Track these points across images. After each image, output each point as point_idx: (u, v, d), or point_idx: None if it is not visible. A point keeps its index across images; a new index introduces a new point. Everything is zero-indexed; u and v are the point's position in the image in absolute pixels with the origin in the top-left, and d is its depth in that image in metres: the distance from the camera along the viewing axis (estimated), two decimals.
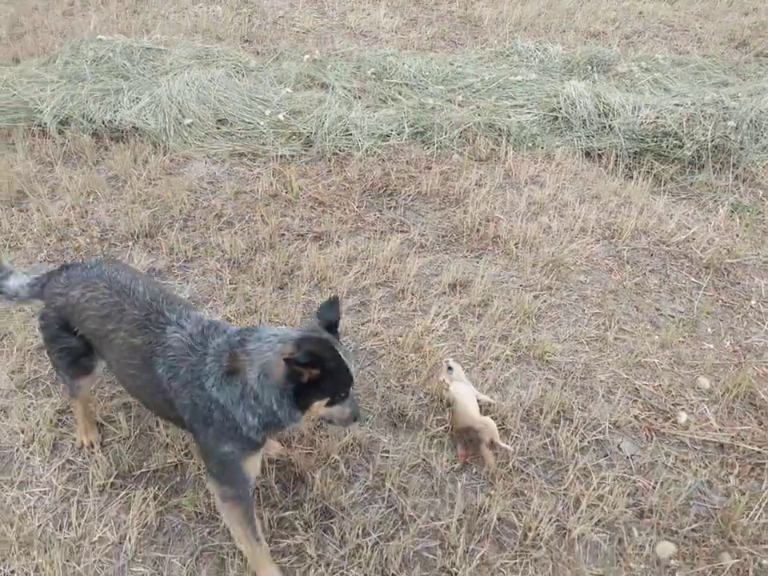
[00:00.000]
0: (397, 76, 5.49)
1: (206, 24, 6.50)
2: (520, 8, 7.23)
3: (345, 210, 3.95)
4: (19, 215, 3.82)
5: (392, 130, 4.72)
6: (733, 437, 2.64)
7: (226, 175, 4.26)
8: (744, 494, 2.41)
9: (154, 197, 3.95)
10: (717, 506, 2.39)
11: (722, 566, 2.20)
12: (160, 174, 4.21)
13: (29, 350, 2.96)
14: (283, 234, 3.73)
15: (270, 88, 5.15)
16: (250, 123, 4.73)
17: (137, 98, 4.79)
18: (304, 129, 4.64)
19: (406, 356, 2.96)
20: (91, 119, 4.60)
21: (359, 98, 5.20)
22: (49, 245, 3.61)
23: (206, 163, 4.39)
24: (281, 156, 4.42)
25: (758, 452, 2.58)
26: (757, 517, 2.33)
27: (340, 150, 4.51)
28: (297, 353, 1.77)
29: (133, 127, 4.55)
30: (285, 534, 2.27)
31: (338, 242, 3.66)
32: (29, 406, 2.72)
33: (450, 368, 2.76)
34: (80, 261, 2.37)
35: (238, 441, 1.92)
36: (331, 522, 2.29)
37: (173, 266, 3.50)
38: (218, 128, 4.71)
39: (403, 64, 5.60)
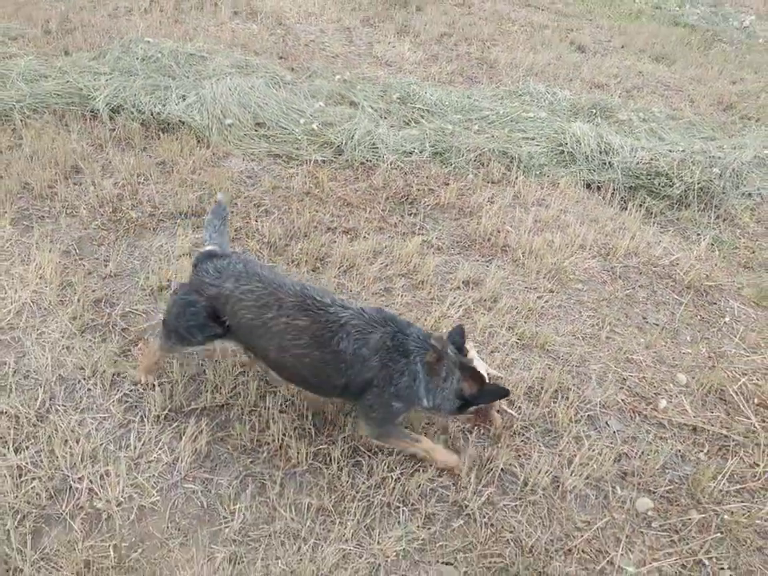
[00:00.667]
0: (419, 102, 6.00)
1: (243, 39, 7.00)
2: (532, 56, 7.86)
3: (370, 211, 4.37)
4: (74, 187, 4.18)
5: (414, 148, 5.19)
6: (704, 422, 3.05)
7: (263, 171, 4.68)
8: (711, 467, 2.80)
9: (200, 183, 4.34)
10: (688, 473, 2.78)
11: (690, 519, 2.58)
12: (203, 164, 4.60)
13: (86, 301, 3.29)
14: (316, 227, 4.13)
15: (304, 100, 5.61)
16: (285, 129, 5.17)
17: (183, 95, 5.22)
18: (335, 139, 5.09)
19: None
20: (141, 110, 5.01)
21: (385, 117, 5.68)
22: (102, 215, 3.97)
23: (244, 160, 4.80)
24: (313, 160, 4.85)
25: (725, 435, 2.99)
26: (720, 485, 2.72)
27: (367, 161, 4.95)
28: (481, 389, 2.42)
29: (179, 121, 4.97)
30: (320, 465, 2.61)
31: (365, 237, 4.07)
32: (88, 348, 3.04)
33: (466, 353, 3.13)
34: (217, 251, 2.65)
35: (409, 403, 2.44)
36: (360, 459, 2.64)
37: None
38: (255, 130, 5.14)
39: (425, 92, 6.13)
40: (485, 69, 7.38)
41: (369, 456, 2.66)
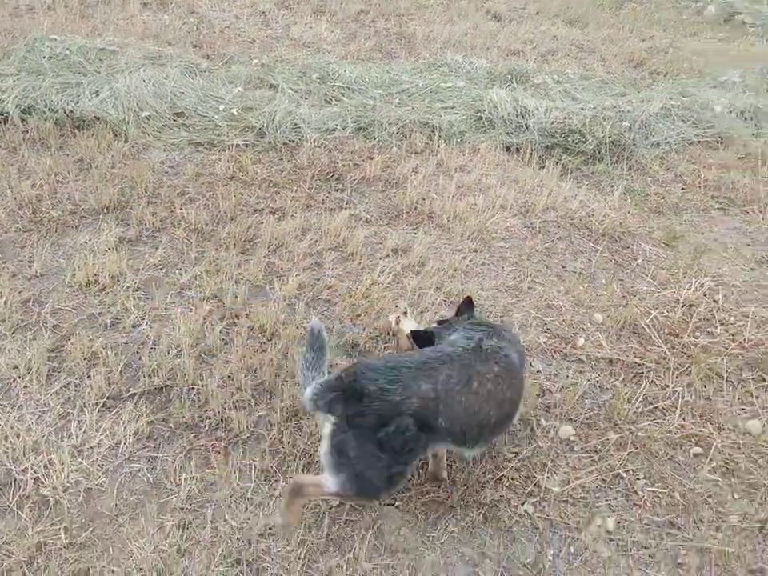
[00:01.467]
0: (339, 80, 6.06)
1: (155, 30, 6.88)
2: (449, 28, 8.01)
3: (297, 190, 4.45)
4: None
5: (337, 125, 5.27)
6: (619, 354, 3.30)
7: (185, 160, 4.67)
8: (626, 393, 3.04)
9: (120, 176, 4.32)
10: (606, 400, 3.02)
11: (608, 440, 2.82)
12: (123, 158, 4.57)
13: (14, 302, 3.26)
14: (242, 209, 4.18)
15: (222, 87, 5.60)
16: (205, 116, 5.16)
17: (96, 91, 5.13)
18: (256, 122, 5.11)
19: (357, 302, 3.47)
20: (53, 109, 4.90)
21: (306, 97, 5.72)
22: (23, 217, 3.91)
23: (164, 150, 4.78)
24: (236, 145, 4.87)
25: (638, 364, 3.24)
26: (635, 407, 2.97)
27: (290, 141, 5.01)
28: None
29: (94, 117, 4.89)
30: (262, 431, 2.71)
31: (292, 215, 4.14)
32: (20, 347, 3.03)
33: (405, 312, 3.25)
34: None
35: None
36: (301, 421, 2.76)
37: (142, 236, 3.88)
38: (174, 120, 5.11)
39: (344, 70, 6.18)
40: (403, 43, 7.48)
41: (308, 418, 2.78)
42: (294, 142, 5.00)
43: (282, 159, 4.80)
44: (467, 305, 2.76)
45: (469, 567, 2.35)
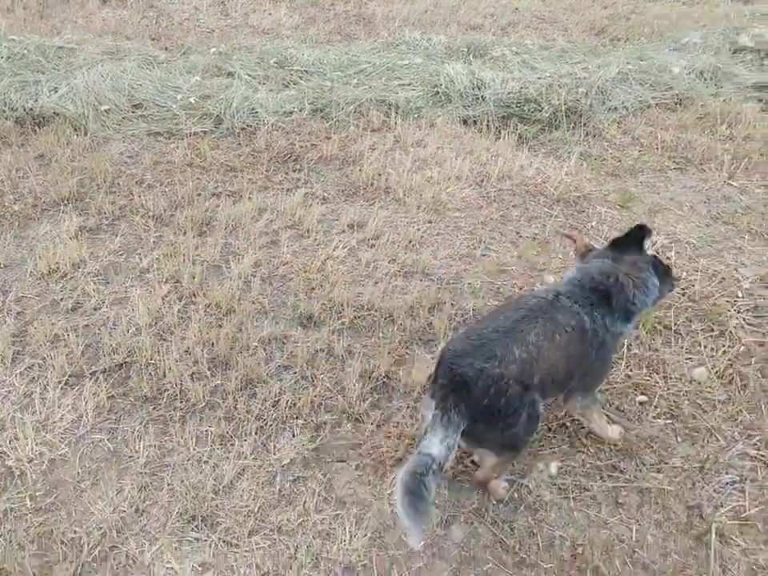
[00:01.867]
0: (297, 64, 6.12)
1: (114, 26, 6.91)
2: (409, 6, 8.06)
3: (254, 173, 4.53)
4: None
5: (294, 108, 5.34)
6: None
7: (143, 150, 4.75)
8: None
9: (80, 169, 4.39)
10: None
11: None
12: (82, 152, 4.63)
13: None
14: (200, 194, 4.26)
15: (179, 77, 5.65)
16: (163, 107, 5.23)
17: (55, 87, 5.19)
18: (214, 109, 5.18)
19: (312, 276, 3.57)
20: (13, 107, 4.96)
21: (263, 83, 5.79)
22: None
23: (124, 142, 4.85)
24: (194, 133, 4.95)
25: None
26: None
27: (248, 126, 5.08)
28: None
29: (54, 113, 4.95)
30: (218, 400, 2.83)
31: (249, 197, 4.23)
32: None
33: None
34: None
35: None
36: (255, 389, 2.87)
37: (102, 224, 3.97)
38: (133, 112, 5.18)
39: (303, 54, 6.25)
40: (362, 24, 7.53)
41: (262, 385, 2.90)
42: (251, 126, 5.08)
43: (239, 144, 4.88)
44: (635, 235, 2.52)
45: None
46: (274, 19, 7.41)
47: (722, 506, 2.48)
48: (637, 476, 2.66)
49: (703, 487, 2.63)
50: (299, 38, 6.98)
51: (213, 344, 3.09)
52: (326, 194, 4.37)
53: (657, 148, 5.11)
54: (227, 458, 2.59)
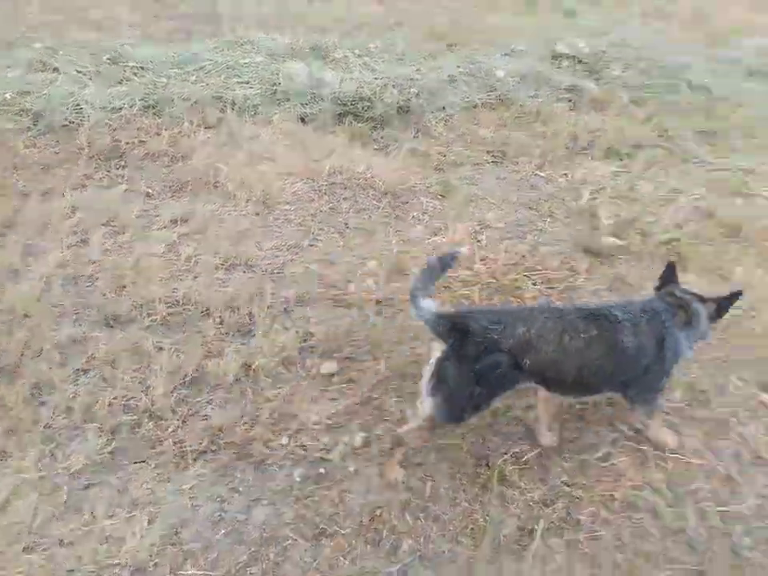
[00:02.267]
0: (133, 61, 5.87)
1: None
2: (257, 7, 8.00)
3: (72, 171, 4.28)
4: None
5: (124, 104, 5.12)
6: (387, 294, 3.51)
7: None
8: (387, 327, 3.27)
9: None
10: (368, 335, 3.20)
11: (364, 369, 3.01)
12: None
13: None
14: (4, 194, 3.95)
15: None
16: None
17: None
18: (32, 105, 4.84)
19: (123, 273, 3.42)
20: None
21: (93, 79, 5.48)
22: None
23: None
24: (7, 129, 4.58)
25: (403, 300, 3.44)
26: (393, 337, 3.20)
27: (70, 122, 4.79)
28: None
29: None
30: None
31: (63, 195, 3.99)
32: None
33: None
34: None
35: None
36: (43, 399, 2.70)
37: None
38: None
39: (140, 51, 6.01)
40: (208, 23, 7.37)
41: (53, 392, 2.72)
42: (74, 123, 4.80)
43: (58, 141, 4.59)
44: (669, 274, 2.69)
45: (216, 504, 2.43)
46: (114, 14, 7.06)
47: (506, 453, 2.63)
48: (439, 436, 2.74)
49: (491, 440, 2.75)
50: (140, 35, 6.70)
51: (0, 353, 2.86)
52: (149, 190, 4.21)
53: (478, 144, 5.39)
54: (3, 474, 2.39)
